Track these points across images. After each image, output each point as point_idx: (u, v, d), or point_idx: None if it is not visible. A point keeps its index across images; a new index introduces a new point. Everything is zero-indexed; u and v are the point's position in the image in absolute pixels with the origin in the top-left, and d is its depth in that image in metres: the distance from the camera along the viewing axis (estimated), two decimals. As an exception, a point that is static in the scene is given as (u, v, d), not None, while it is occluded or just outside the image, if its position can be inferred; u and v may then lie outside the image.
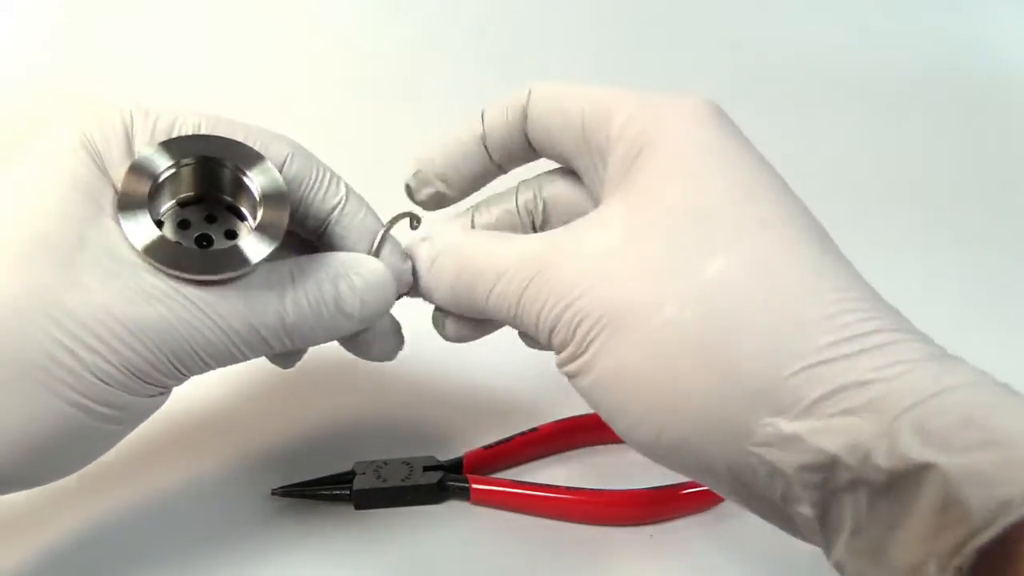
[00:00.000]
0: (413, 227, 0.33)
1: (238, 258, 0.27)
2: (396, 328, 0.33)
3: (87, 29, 0.69)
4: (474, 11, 0.74)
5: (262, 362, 0.32)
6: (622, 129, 0.28)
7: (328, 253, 0.30)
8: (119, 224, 0.27)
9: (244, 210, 0.30)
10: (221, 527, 0.36)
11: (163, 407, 0.29)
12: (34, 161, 0.27)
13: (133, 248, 0.26)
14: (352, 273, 0.30)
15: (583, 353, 0.27)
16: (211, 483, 0.38)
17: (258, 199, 0.28)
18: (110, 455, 0.29)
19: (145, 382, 0.27)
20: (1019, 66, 0.79)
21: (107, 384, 0.26)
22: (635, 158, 0.28)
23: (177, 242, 0.27)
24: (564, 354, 0.28)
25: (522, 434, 0.39)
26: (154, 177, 0.28)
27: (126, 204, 0.27)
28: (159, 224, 0.29)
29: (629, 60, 0.73)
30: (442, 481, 0.37)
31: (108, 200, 0.27)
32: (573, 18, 0.76)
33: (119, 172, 0.28)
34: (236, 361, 0.28)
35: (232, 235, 0.30)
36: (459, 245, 0.31)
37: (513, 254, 0.29)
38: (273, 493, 0.37)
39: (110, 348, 0.25)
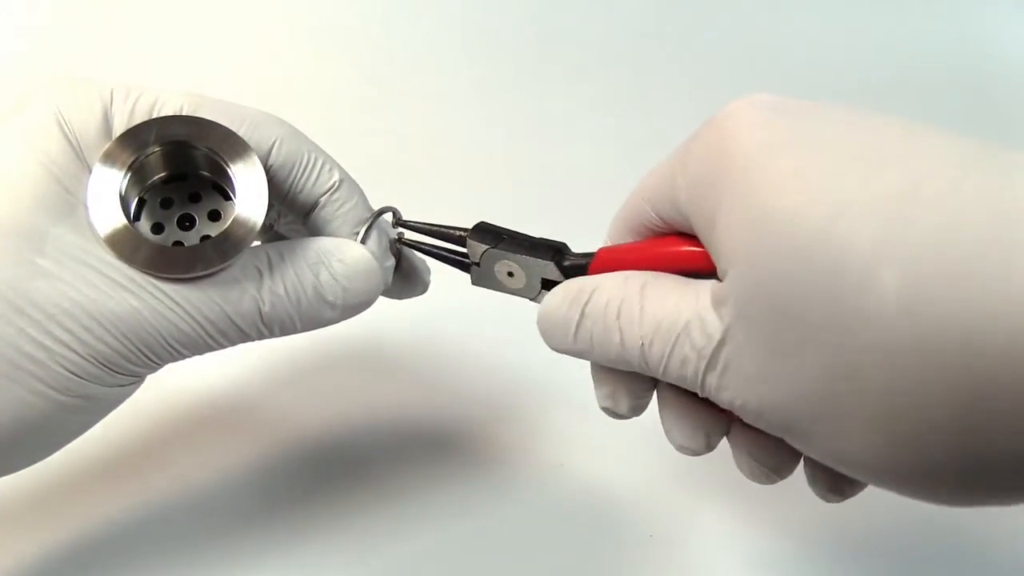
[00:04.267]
0: (395, 224, 0.32)
1: (208, 256, 0.26)
2: (418, 267, 0.34)
3: (82, 14, 0.68)
4: (486, 7, 0.74)
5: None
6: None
7: (309, 238, 0.29)
8: (89, 215, 0.26)
9: (228, 189, 0.29)
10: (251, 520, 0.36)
11: (189, 396, 0.28)
12: (6, 141, 0.26)
13: (101, 241, 0.26)
14: (334, 260, 0.29)
15: None
16: (241, 474, 0.39)
17: (236, 189, 0.28)
18: (134, 448, 0.28)
19: (115, 372, 0.26)
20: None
21: (75, 375, 0.25)
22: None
23: (146, 237, 0.27)
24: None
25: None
26: (126, 165, 0.27)
27: (96, 195, 0.26)
28: (141, 202, 0.28)
29: (643, 68, 0.72)
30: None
31: (82, 185, 0.26)
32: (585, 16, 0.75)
33: (96, 153, 0.27)
34: (212, 350, 0.28)
35: (215, 215, 0.29)
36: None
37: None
38: (397, 223, 0.33)
39: (77, 339, 0.25)
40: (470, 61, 0.68)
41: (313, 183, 0.29)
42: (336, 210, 0.30)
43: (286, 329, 0.29)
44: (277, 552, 0.35)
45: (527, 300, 0.31)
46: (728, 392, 0.24)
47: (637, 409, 0.29)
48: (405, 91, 0.65)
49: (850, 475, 0.23)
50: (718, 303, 0.24)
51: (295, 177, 0.29)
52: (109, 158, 0.27)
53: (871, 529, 0.37)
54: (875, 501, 0.39)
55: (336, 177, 0.30)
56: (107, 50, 0.66)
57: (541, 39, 0.71)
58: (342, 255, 0.29)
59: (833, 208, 0.21)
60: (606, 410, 0.30)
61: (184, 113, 0.28)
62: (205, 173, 0.29)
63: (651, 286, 0.26)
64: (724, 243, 0.23)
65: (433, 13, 0.72)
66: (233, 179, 0.28)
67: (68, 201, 0.26)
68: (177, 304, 0.26)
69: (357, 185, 0.31)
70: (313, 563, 0.35)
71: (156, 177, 0.28)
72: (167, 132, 0.27)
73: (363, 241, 0.30)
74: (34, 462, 0.28)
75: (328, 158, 0.30)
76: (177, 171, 0.29)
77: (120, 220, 0.26)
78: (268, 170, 0.29)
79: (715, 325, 0.23)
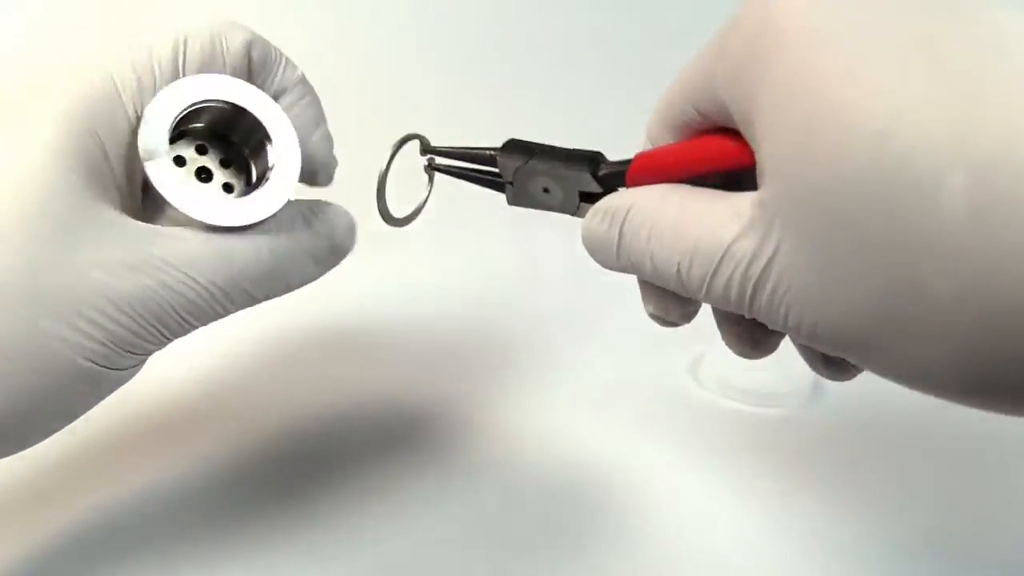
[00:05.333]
0: (423, 151, 0.32)
1: (251, 210, 0.27)
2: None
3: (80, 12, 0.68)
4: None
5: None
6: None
7: (300, 201, 0.30)
8: (144, 164, 0.26)
9: (251, 162, 0.30)
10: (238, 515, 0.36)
11: (179, 388, 0.28)
12: (16, 131, 0.26)
13: (154, 188, 0.26)
14: (320, 221, 0.30)
15: None
16: (227, 469, 0.38)
17: (270, 161, 0.29)
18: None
19: (130, 353, 0.26)
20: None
21: (92, 362, 0.25)
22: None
23: (194, 184, 0.28)
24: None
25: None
26: (181, 118, 0.28)
27: (148, 142, 0.27)
28: (180, 136, 0.29)
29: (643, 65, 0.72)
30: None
31: (99, 168, 0.27)
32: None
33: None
34: (219, 317, 0.28)
35: (229, 188, 0.30)
36: None
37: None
38: (425, 150, 0.33)
39: (97, 325, 0.25)
40: (469, 58, 0.68)
41: (280, 77, 0.30)
42: (298, 99, 0.30)
43: (279, 291, 0.29)
44: (270, 545, 0.35)
45: (567, 216, 0.30)
46: (779, 313, 0.22)
47: (688, 316, 0.28)
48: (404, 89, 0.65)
49: (915, 390, 0.22)
50: (762, 215, 0.22)
51: (266, 70, 0.30)
52: (156, 113, 0.27)
53: (875, 539, 0.37)
54: (877, 514, 0.39)
55: (299, 72, 0.31)
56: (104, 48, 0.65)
57: (541, 38, 0.71)
58: (333, 219, 0.30)
59: (894, 106, 0.19)
60: (655, 318, 0.29)
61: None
62: (244, 149, 0.30)
63: (688, 202, 0.24)
64: (767, 145, 0.21)
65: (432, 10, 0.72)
66: (270, 153, 0.29)
67: (79, 189, 0.26)
68: (191, 278, 0.26)
69: (310, 86, 0.31)
70: (312, 553, 0.35)
71: (204, 126, 0.29)
72: (216, 93, 0.28)
73: (387, 168, 0.31)
74: (20, 450, 0.28)
75: (290, 59, 0.31)
76: (225, 131, 0.29)
77: (174, 172, 0.27)
78: (250, 67, 0.30)
79: (761, 241, 0.22)
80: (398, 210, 0.33)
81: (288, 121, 0.29)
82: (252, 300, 0.28)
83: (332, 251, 0.30)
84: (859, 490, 0.39)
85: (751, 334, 0.28)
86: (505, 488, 0.38)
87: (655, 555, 0.35)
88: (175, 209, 0.27)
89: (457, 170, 0.31)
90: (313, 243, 0.29)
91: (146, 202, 0.29)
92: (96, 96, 0.27)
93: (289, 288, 0.30)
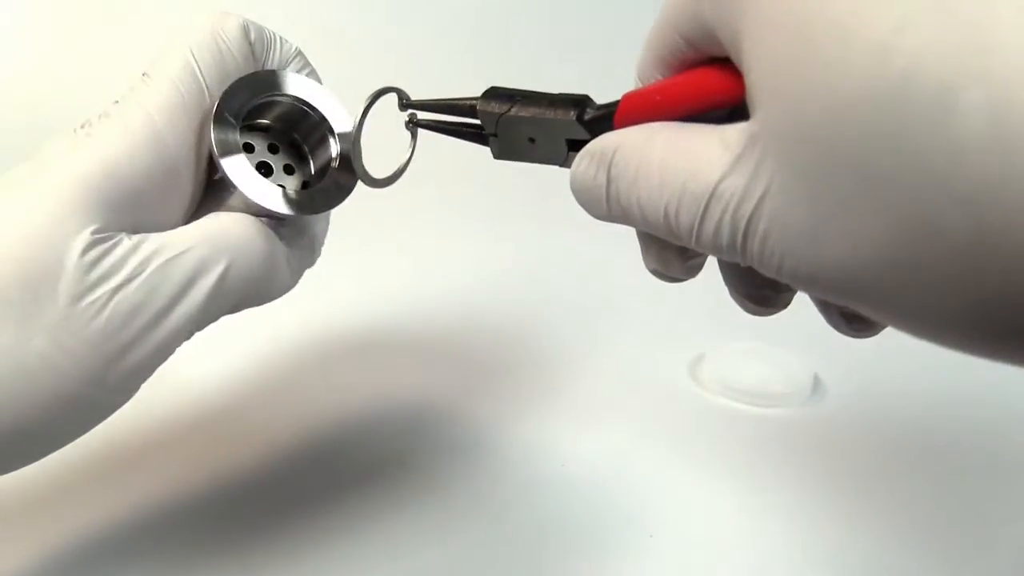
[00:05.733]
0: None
1: (313, 203, 0.29)
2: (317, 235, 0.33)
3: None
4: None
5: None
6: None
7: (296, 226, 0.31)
8: (221, 168, 0.28)
9: (311, 156, 0.31)
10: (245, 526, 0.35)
11: (183, 398, 0.27)
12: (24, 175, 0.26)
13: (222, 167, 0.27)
14: (305, 244, 0.31)
15: None
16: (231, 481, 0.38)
17: (334, 158, 0.30)
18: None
19: (127, 370, 0.25)
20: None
21: (86, 383, 0.25)
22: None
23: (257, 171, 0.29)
24: None
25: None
26: (249, 111, 0.29)
27: (222, 144, 0.28)
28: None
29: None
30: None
31: (126, 197, 0.26)
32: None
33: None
34: (219, 317, 0.28)
35: (289, 170, 0.31)
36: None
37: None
38: (405, 105, 0.31)
39: (90, 344, 0.24)
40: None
41: (279, 53, 0.31)
42: (299, 71, 0.31)
43: (254, 303, 0.29)
44: (278, 557, 0.35)
45: (556, 167, 0.28)
46: (774, 259, 0.20)
47: (693, 269, 0.27)
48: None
49: (930, 341, 0.19)
50: (752, 147, 0.20)
51: (265, 50, 0.31)
52: (232, 98, 0.28)
53: (874, 538, 0.37)
54: (877, 514, 0.38)
55: (295, 46, 0.31)
56: (97, 47, 0.65)
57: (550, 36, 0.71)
58: (314, 240, 0.31)
59: (898, 13, 0.16)
60: (655, 273, 0.27)
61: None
62: (304, 146, 0.31)
63: (675, 138, 0.22)
64: (756, 67, 0.19)
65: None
66: (332, 151, 0.30)
67: (77, 231, 0.25)
68: (184, 279, 0.26)
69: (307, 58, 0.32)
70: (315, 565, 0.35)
71: (267, 121, 0.31)
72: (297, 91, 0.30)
73: (360, 124, 0.30)
74: (21, 467, 0.27)
75: (283, 37, 0.31)
76: (287, 126, 0.31)
77: (241, 154, 0.28)
78: (252, 50, 0.30)
79: (751, 177, 0.20)
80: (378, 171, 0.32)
81: (347, 113, 0.30)
82: (234, 311, 0.28)
83: (301, 270, 0.31)
84: (859, 489, 0.39)
85: (757, 289, 0.26)
86: (504, 488, 0.38)
87: (654, 554, 0.35)
88: (249, 200, 0.28)
89: (440, 125, 0.30)
90: (296, 269, 0.30)
91: (210, 191, 0.29)
92: (134, 130, 0.27)
93: (265, 296, 0.29)
